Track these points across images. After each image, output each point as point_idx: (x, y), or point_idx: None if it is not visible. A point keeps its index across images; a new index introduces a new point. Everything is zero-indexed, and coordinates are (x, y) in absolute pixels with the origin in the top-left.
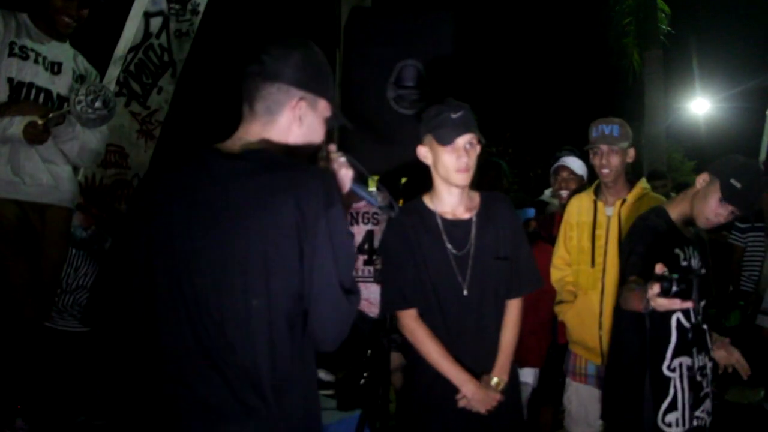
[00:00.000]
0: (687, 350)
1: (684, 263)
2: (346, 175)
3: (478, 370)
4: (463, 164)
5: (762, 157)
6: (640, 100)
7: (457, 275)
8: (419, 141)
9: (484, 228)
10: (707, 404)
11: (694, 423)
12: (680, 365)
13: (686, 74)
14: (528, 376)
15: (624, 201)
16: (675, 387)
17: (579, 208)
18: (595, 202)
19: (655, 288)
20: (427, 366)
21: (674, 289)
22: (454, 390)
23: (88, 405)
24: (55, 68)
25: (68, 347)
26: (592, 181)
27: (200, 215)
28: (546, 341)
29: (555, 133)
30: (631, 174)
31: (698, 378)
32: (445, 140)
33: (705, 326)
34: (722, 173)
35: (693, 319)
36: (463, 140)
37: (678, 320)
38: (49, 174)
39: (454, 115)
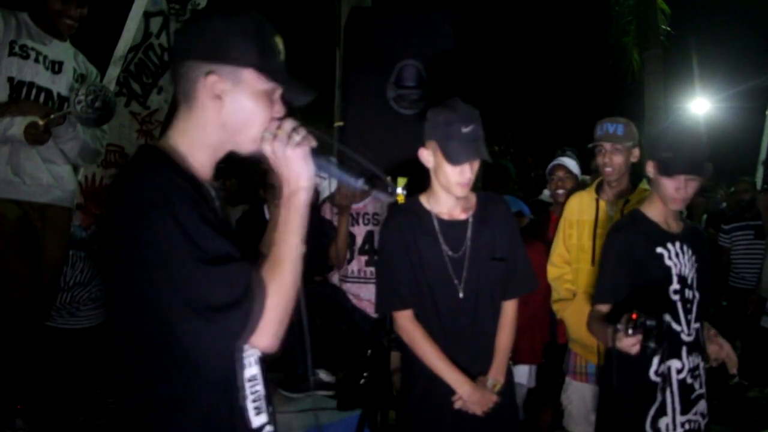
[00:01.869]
0: (676, 353)
1: (669, 262)
2: (294, 155)
3: (475, 371)
4: (466, 179)
5: (762, 156)
6: (639, 100)
7: (453, 278)
8: (420, 140)
9: (480, 229)
10: (701, 405)
11: (686, 427)
12: (669, 369)
13: (686, 74)
14: (522, 375)
15: (627, 201)
16: (663, 393)
17: (580, 207)
18: (597, 201)
19: (623, 340)
20: (423, 367)
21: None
22: (450, 391)
23: (88, 405)
24: (55, 67)
25: (68, 345)
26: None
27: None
28: (540, 338)
29: (555, 134)
30: (633, 175)
31: (689, 380)
32: (453, 160)
33: (698, 325)
34: (654, 152)
35: (685, 319)
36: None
37: (666, 322)
38: (49, 174)
39: (465, 129)
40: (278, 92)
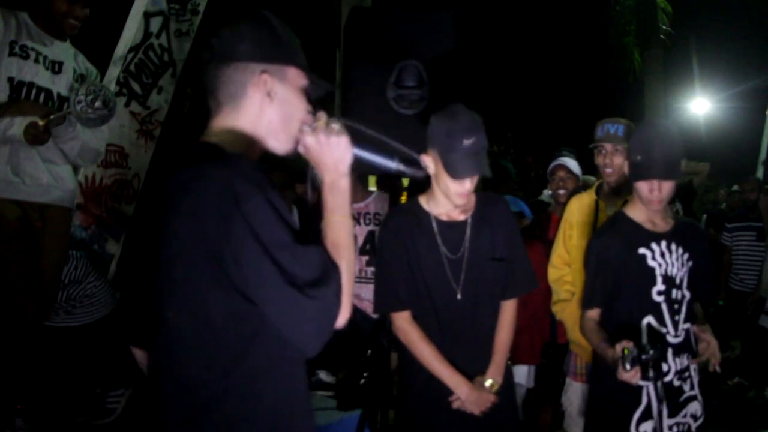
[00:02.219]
0: (662, 355)
1: (652, 262)
2: (337, 143)
3: (473, 372)
4: (465, 190)
5: (762, 156)
6: (639, 100)
7: (451, 280)
8: (421, 141)
9: (479, 229)
10: (692, 407)
11: (674, 430)
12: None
13: (686, 74)
14: (521, 376)
15: (626, 202)
16: (648, 395)
17: (580, 208)
18: (596, 202)
19: (623, 374)
20: (420, 367)
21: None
22: (448, 392)
23: (88, 405)
24: (55, 67)
25: (65, 343)
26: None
27: (159, 220)
28: (540, 338)
29: (555, 134)
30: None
31: (676, 383)
32: (453, 174)
33: (687, 325)
34: (630, 154)
35: (671, 320)
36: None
37: (649, 324)
38: (49, 174)
39: (467, 141)
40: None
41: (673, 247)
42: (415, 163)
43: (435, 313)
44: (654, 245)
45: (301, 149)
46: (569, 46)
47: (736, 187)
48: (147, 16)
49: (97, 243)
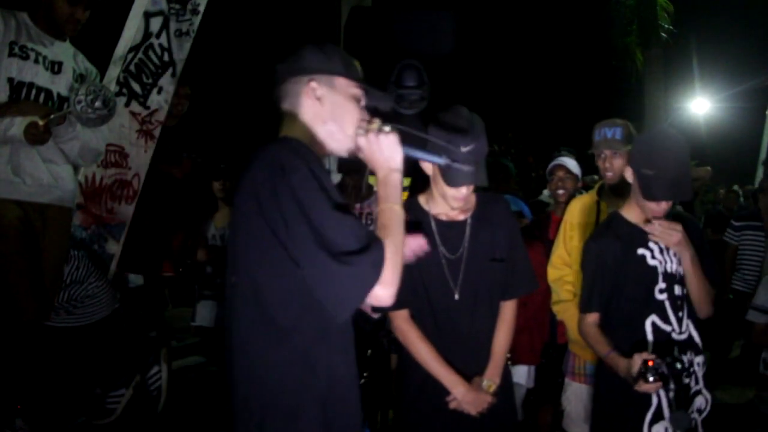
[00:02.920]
0: (668, 352)
1: (652, 261)
2: (387, 141)
3: (471, 372)
4: (462, 195)
5: (762, 157)
6: (640, 100)
7: (449, 280)
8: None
9: (479, 229)
10: (698, 402)
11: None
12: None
13: (686, 74)
14: (521, 376)
15: None
16: (659, 396)
17: (581, 209)
18: (598, 203)
19: (643, 386)
20: (418, 367)
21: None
22: (445, 392)
23: (88, 405)
24: (55, 68)
25: (65, 343)
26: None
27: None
28: (539, 339)
29: (556, 134)
30: None
31: (685, 380)
32: (449, 182)
33: (690, 320)
34: (634, 163)
35: (675, 317)
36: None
37: (654, 324)
38: (49, 174)
39: (465, 148)
40: (363, 101)
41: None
42: (463, 161)
43: (432, 313)
44: (652, 244)
45: (357, 150)
46: (570, 46)
47: (735, 187)
48: (147, 15)
49: (97, 243)
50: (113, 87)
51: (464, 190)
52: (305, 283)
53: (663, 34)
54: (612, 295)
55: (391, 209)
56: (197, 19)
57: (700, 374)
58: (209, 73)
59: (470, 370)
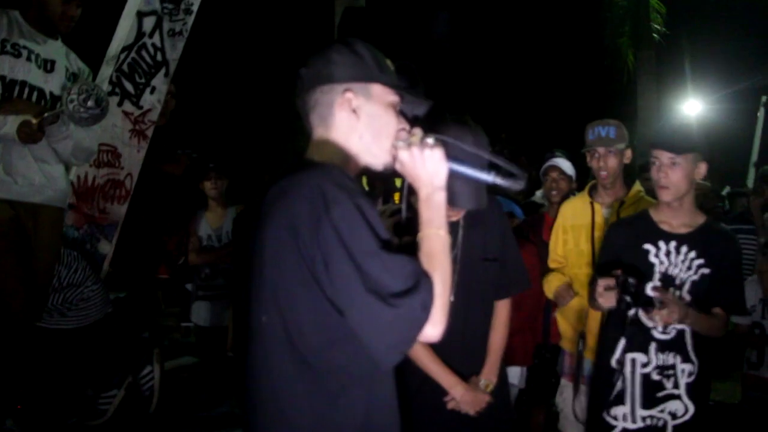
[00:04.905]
0: (642, 347)
1: (653, 259)
2: (431, 157)
3: (467, 372)
4: (460, 213)
5: (753, 158)
6: (632, 101)
7: None
8: None
9: (471, 230)
10: (673, 405)
11: (646, 422)
12: (632, 361)
13: (679, 75)
14: (513, 377)
15: (623, 203)
16: (623, 381)
17: (573, 212)
18: (591, 204)
19: (603, 292)
20: (415, 369)
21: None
22: (442, 392)
23: (79, 406)
24: (48, 66)
25: (57, 344)
26: (580, 181)
27: (253, 225)
28: (533, 340)
29: (549, 134)
30: (627, 177)
31: (655, 377)
32: (452, 203)
33: (682, 327)
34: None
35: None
36: None
37: (638, 316)
38: (41, 173)
39: None
40: (399, 106)
41: (684, 249)
42: (512, 175)
43: None
44: (662, 243)
45: (397, 165)
46: (563, 47)
47: (727, 189)
48: (140, 15)
49: (89, 243)
50: (106, 86)
51: (462, 211)
52: (343, 326)
53: (655, 36)
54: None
55: (437, 235)
56: (191, 19)
57: (682, 381)
58: (204, 72)
59: (466, 370)
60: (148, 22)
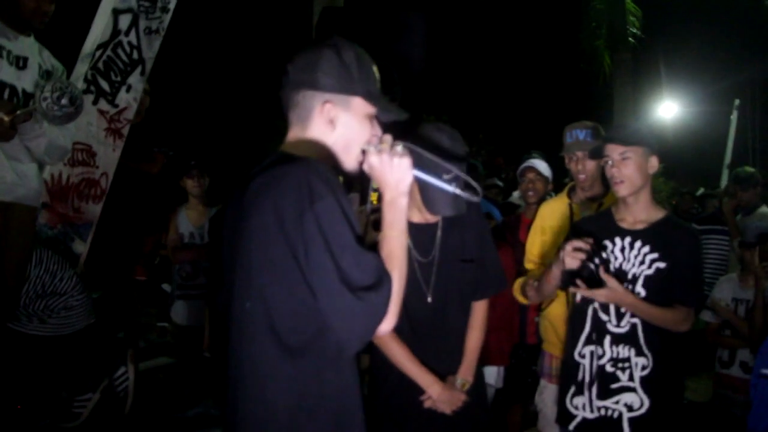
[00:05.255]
0: (598, 340)
1: (610, 255)
2: (399, 164)
3: (444, 372)
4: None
5: (727, 160)
6: (609, 103)
7: (421, 283)
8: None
9: (449, 231)
10: (627, 397)
11: (601, 412)
12: (591, 353)
13: (654, 78)
14: (490, 376)
15: (601, 204)
16: (582, 373)
17: (551, 213)
18: (570, 206)
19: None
20: (391, 368)
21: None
22: (419, 391)
23: (53, 408)
24: (20, 63)
25: (35, 351)
26: (557, 182)
27: (235, 217)
28: (509, 340)
29: (526, 135)
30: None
31: (610, 369)
32: (431, 209)
33: (636, 320)
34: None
35: (615, 311)
36: None
37: (594, 310)
38: (13, 172)
39: (446, 175)
40: (376, 114)
41: (637, 245)
42: (472, 188)
43: (406, 315)
44: (618, 239)
45: (366, 168)
46: (540, 49)
47: (702, 191)
48: (116, 13)
49: (63, 242)
50: (80, 84)
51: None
52: (318, 312)
53: (631, 39)
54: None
55: (397, 238)
56: (167, 17)
57: (636, 374)
58: (182, 70)
59: (443, 369)
60: (124, 20)
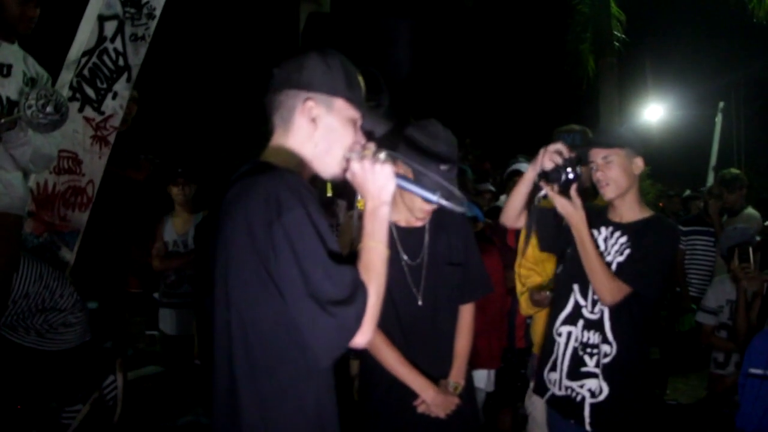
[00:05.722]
0: (573, 321)
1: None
2: (381, 172)
3: (435, 375)
4: (429, 208)
5: (712, 162)
6: (595, 107)
7: (411, 286)
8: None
9: (437, 235)
10: (591, 383)
11: (568, 392)
12: (567, 333)
13: (640, 82)
14: (480, 380)
15: None
16: (558, 350)
17: None
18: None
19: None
20: (383, 372)
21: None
22: (410, 395)
23: (41, 419)
24: (4, 71)
25: (27, 363)
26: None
27: (216, 230)
28: (498, 343)
29: (514, 139)
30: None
31: (580, 352)
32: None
33: (603, 309)
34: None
35: (591, 296)
36: None
37: (574, 293)
38: None
39: (443, 167)
40: (360, 121)
41: (617, 235)
42: (455, 198)
43: (397, 319)
44: (603, 229)
45: (348, 175)
46: (526, 53)
47: (688, 192)
48: (101, 19)
49: (49, 251)
50: (66, 92)
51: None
52: (294, 325)
53: (616, 43)
54: (562, 256)
55: (376, 249)
56: (153, 24)
57: (603, 362)
58: (168, 77)
59: (434, 372)
60: (110, 27)
